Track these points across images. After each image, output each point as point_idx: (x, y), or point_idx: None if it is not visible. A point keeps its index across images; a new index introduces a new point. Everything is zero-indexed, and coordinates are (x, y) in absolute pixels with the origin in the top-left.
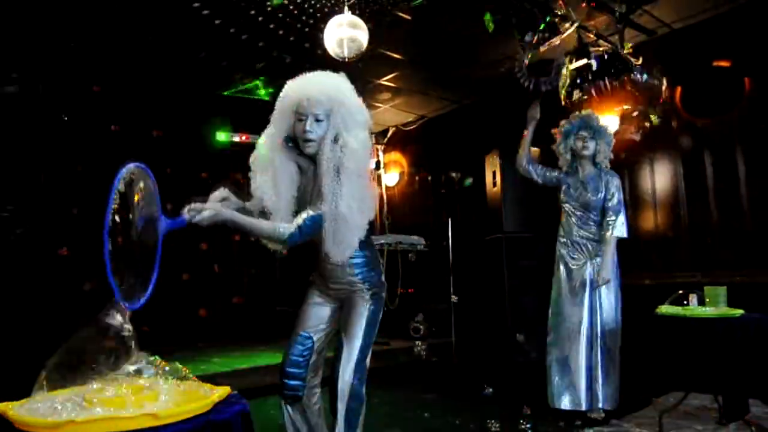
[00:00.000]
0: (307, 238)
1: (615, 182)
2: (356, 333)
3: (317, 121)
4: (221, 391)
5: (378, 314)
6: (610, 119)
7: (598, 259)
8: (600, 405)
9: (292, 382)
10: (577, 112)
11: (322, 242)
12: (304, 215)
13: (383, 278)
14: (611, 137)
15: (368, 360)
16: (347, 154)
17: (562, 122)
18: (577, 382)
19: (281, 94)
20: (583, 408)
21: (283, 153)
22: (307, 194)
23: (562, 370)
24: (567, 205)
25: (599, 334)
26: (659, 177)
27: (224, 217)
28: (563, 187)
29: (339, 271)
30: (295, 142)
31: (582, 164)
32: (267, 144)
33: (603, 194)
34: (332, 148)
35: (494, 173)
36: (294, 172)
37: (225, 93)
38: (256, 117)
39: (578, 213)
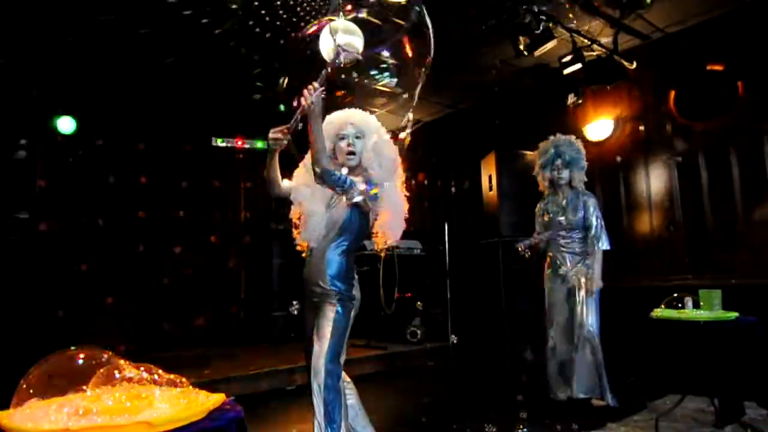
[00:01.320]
0: (331, 185)
1: (592, 202)
2: (325, 333)
3: (357, 137)
4: (216, 398)
5: (345, 318)
6: (604, 123)
7: (582, 269)
8: (576, 394)
9: None
10: (551, 139)
11: (369, 229)
12: (352, 177)
13: (354, 292)
14: (584, 163)
15: (341, 359)
16: (385, 162)
17: (540, 149)
18: (565, 374)
19: (324, 124)
20: (563, 396)
21: None
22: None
23: (558, 367)
24: (558, 227)
25: (582, 333)
26: (654, 180)
27: (318, 113)
28: (548, 213)
29: (315, 274)
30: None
31: (560, 189)
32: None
33: (582, 213)
34: (374, 158)
35: (490, 177)
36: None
37: None
38: (254, 121)
39: (562, 233)
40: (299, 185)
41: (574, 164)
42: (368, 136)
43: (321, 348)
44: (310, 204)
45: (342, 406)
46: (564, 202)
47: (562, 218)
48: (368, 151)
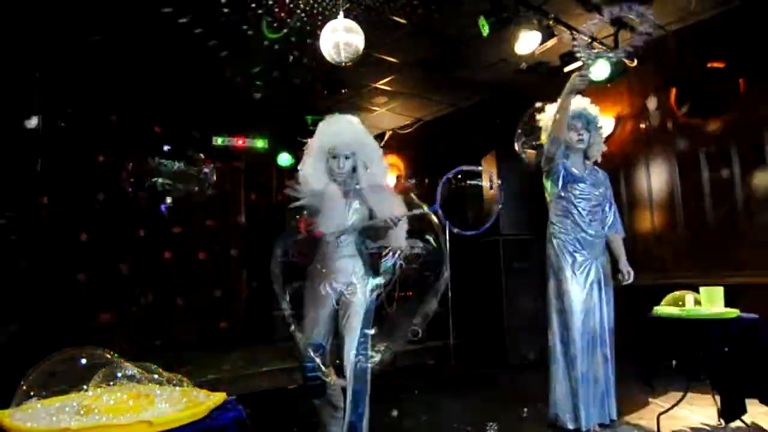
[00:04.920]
0: None
1: (608, 179)
2: (357, 322)
3: (346, 158)
4: (217, 397)
5: (374, 305)
6: (605, 120)
7: (602, 259)
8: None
9: (315, 383)
10: None
11: (379, 239)
12: None
13: None
14: (603, 130)
15: (369, 346)
16: (378, 178)
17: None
18: (597, 396)
19: (317, 134)
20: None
21: (324, 174)
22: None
23: (579, 382)
24: (577, 200)
25: (606, 340)
26: (655, 178)
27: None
28: (570, 183)
29: (348, 270)
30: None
31: (573, 158)
32: (310, 169)
33: (604, 191)
34: (366, 178)
35: (491, 176)
36: (329, 183)
37: None
38: (253, 119)
39: (587, 210)
40: (314, 189)
41: (594, 127)
42: (358, 153)
43: (352, 337)
44: (326, 209)
45: (368, 393)
46: (586, 174)
47: (590, 192)
48: (360, 165)
